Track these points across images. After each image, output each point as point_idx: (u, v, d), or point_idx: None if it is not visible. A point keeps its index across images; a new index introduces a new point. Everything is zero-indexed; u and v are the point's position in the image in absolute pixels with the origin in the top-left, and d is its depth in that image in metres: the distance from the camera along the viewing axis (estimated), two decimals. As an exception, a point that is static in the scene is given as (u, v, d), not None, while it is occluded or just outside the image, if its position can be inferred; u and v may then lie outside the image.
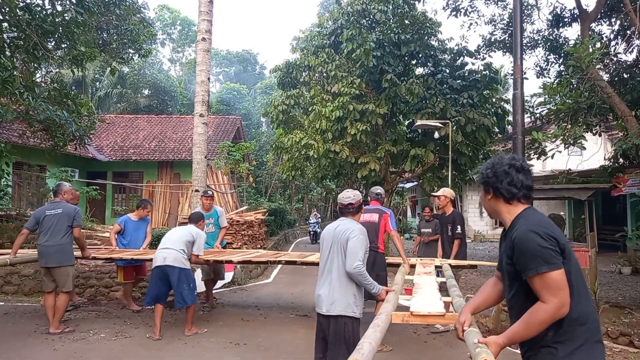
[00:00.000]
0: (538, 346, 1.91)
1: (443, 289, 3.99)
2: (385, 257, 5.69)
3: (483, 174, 2.12)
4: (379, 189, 5.72)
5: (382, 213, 5.37)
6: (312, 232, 19.55)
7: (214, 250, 6.75)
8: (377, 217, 5.33)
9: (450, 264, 5.44)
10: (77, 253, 5.85)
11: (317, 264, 4.06)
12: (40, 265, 5.51)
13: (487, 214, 2.28)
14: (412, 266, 5.30)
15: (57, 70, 15.72)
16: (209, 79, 9.43)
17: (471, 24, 12.42)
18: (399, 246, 5.29)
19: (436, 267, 5.36)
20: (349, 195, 3.79)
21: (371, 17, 11.94)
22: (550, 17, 11.23)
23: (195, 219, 5.95)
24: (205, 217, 6.78)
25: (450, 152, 9.71)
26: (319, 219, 20.64)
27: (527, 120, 9.86)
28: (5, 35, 8.08)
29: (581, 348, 1.85)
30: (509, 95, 12.45)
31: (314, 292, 3.71)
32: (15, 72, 7.81)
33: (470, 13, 12.22)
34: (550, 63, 11.76)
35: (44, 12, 7.90)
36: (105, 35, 11.33)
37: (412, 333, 5.77)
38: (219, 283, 7.85)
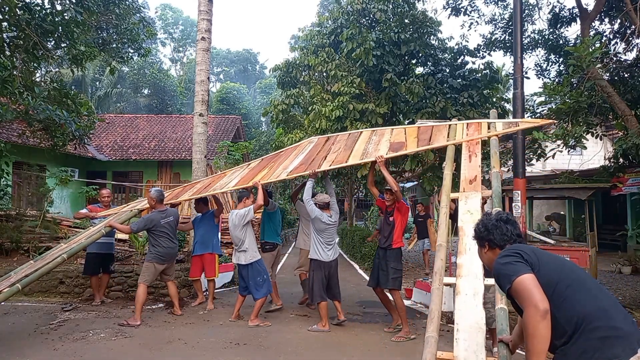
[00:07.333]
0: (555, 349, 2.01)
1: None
2: None
3: (475, 231, 2.36)
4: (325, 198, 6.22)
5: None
6: None
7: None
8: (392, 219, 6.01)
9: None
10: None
11: None
12: (164, 263, 6.18)
13: (486, 266, 2.48)
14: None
15: (57, 69, 15.72)
16: (208, 78, 9.42)
17: (471, 23, 12.39)
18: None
19: None
20: (326, 197, 6.15)
21: (371, 16, 11.92)
22: (550, 16, 11.21)
23: (241, 198, 6.40)
24: None
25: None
26: None
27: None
28: (5, 35, 8.05)
29: (587, 348, 1.87)
30: (510, 94, 12.42)
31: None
32: (15, 72, 7.78)
33: (470, 12, 12.19)
34: (550, 63, 11.73)
35: (44, 11, 7.87)
36: (104, 34, 11.31)
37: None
38: (219, 283, 7.83)
